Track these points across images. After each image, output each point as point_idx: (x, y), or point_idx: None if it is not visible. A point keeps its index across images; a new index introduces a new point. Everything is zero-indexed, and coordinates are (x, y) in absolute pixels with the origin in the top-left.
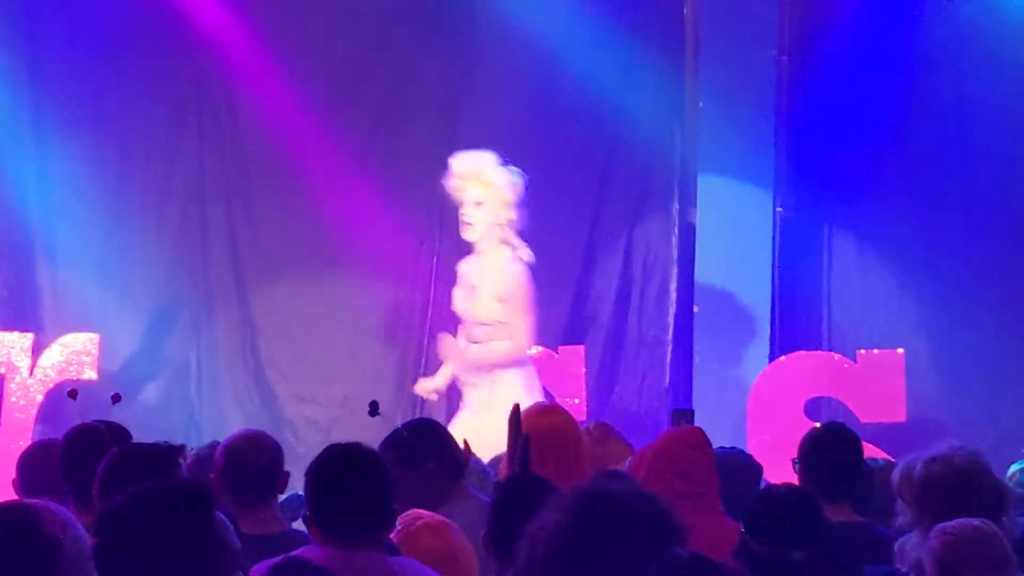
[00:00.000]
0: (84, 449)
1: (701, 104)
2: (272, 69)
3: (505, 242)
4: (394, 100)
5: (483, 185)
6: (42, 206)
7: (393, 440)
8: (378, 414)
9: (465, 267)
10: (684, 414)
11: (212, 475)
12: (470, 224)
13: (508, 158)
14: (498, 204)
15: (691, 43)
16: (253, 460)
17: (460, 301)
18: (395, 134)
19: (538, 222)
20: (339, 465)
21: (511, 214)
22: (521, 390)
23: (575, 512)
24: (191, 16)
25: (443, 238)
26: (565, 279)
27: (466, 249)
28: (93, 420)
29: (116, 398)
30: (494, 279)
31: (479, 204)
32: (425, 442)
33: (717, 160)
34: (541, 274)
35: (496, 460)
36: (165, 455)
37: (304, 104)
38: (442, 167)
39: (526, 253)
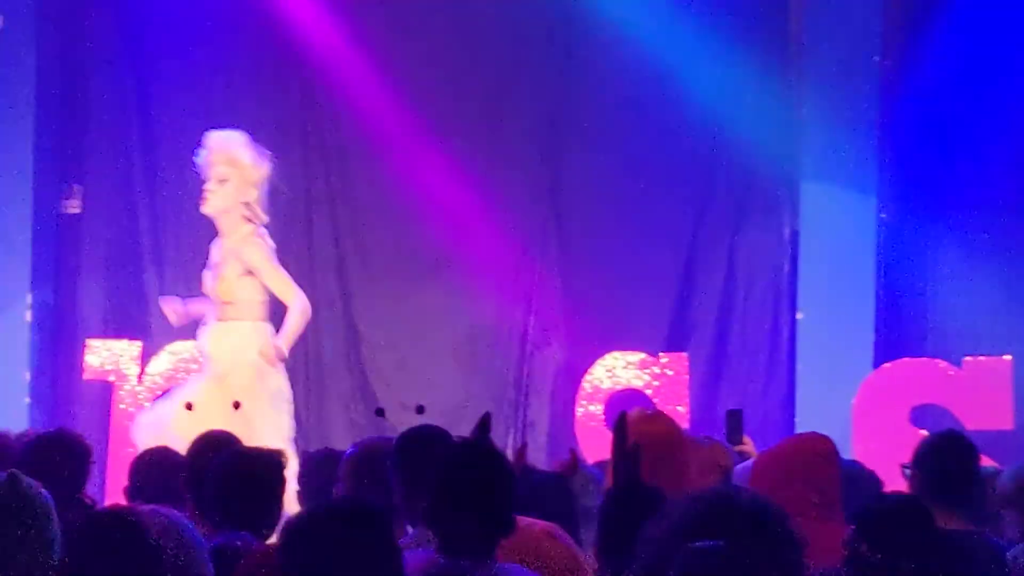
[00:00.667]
0: (207, 456)
1: (804, 111)
2: (376, 80)
3: (248, 220)
4: (497, 110)
5: (229, 163)
6: (149, 215)
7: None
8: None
9: (214, 248)
10: (735, 414)
11: (338, 482)
12: (208, 200)
13: (611, 165)
14: (242, 182)
15: (794, 50)
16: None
17: (208, 281)
18: (498, 143)
19: (640, 229)
20: (470, 468)
21: (255, 194)
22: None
23: (695, 518)
24: (296, 26)
25: (545, 247)
26: (667, 286)
27: (568, 258)
28: (212, 430)
29: (236, 405)
30: (236, 257)
31: (223, 181)
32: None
33: (820, 167)
34: (643, 280)
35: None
36: (275, 462)
37: (407, 114)
38: (546, 177)
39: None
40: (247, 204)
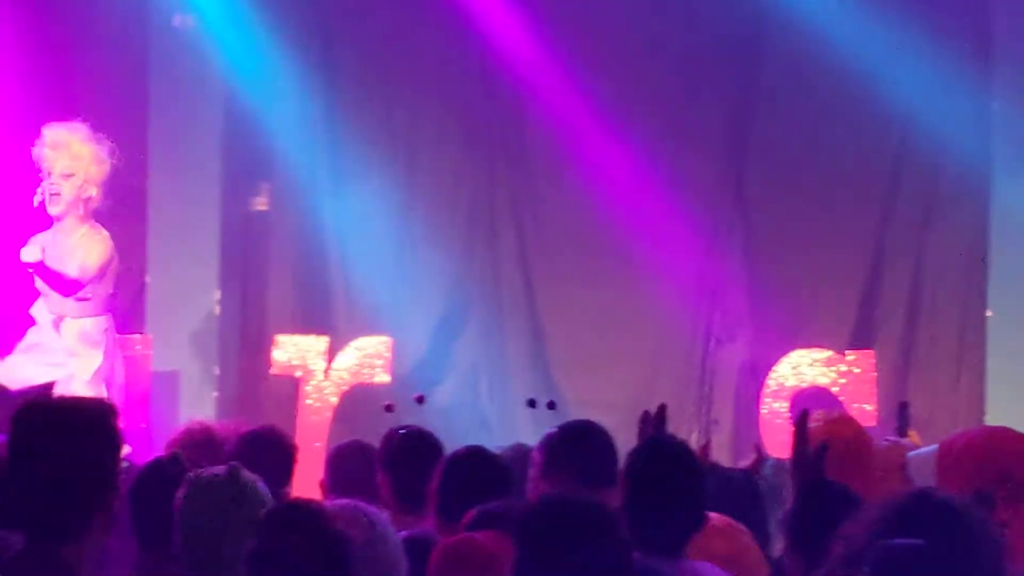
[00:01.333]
0: (409, 453)
1: (995, 105)
2: (560, 77)
3: (86, 218)
4: (683, 106)
5: (72, 157)
6: (336, 211)
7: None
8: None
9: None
10: (903, 406)
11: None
12: (58, 195)
13: (798, 160)
14: (85, 178)
15: (985, 43)
16: None
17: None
18: (683, 139)
19: (827, 224)
20: (662, 464)
21: (96, 190)
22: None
23: (894, 516)
24: (479, 24)
25: (730, 243)
26: (854, 282)
27: (753, 253)
28: (407, 426)
29: (420, 399)
30: (81, 254)
31: (67, 176)
32: (574, 445)
33: (1011, 162)
34: (829, 276)
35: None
36: (503, 465)
37: (591, 111)
38: (731, 173)
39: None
40: (85, 201)
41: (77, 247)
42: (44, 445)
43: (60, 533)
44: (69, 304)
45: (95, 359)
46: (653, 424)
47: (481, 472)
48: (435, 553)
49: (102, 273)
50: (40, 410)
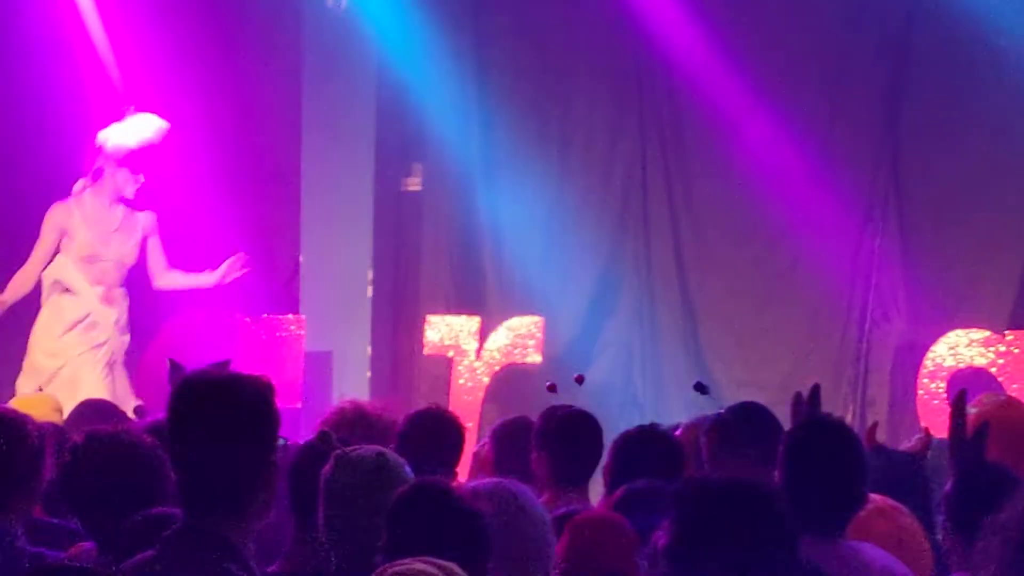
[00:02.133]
0: (568, 433)
1: None
2: (711, 52)
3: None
4: (836, 81)
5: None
6: (487, 194)
7: (714, 423)
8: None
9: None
10: None
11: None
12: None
13: (954, 136)
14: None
15: None
16: None
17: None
18: (837, 116)
19: (984, 202)
20: (823, 443)
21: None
22: None
23: None
24: (635, 7)
25: (886, 221)
26: (1013, 261)
27: (909, 232)
28: (564, 405)
29: (580, 379)
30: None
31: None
32: (745, 427)
33: None
34: (987, 255)
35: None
36: (674, 443)
37: (742, 90)
38: (887, 150)
39: None
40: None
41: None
42: (205, 422)
43: (222, 510)
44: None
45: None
46: (808, 404)
47: (652, 450)
48: (568, 527)
49: None
50: (200, 387)
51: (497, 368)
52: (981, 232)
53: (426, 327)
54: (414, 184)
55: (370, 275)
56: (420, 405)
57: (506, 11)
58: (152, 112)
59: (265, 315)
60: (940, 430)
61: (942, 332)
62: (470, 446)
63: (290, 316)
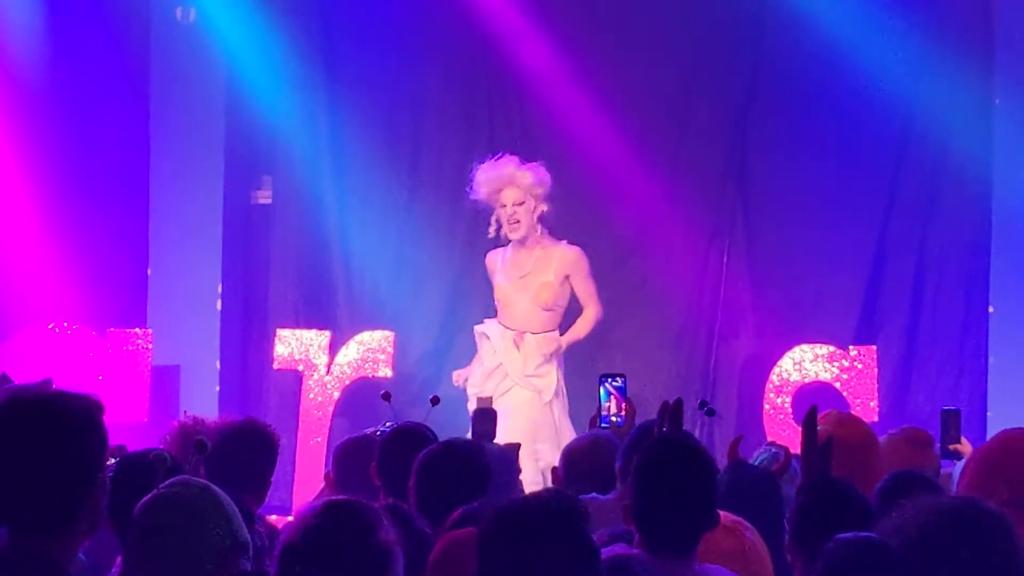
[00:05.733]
0: (404, 448)
1: (998, 99)
2: (561, 70)
3: (543, 235)
4: (685, 98)
5: (519, 188)
6: (338, 207)
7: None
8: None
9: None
10: (951, 414)
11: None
12: (517, 223)
13: (800, 153)
14: (535, 200)
15: (988, 36)
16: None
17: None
18: (687, 131)
19: (829, 219)
20: (667, 460)
21: (544, 206)
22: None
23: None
24: (484, 19)
25: (733, 238)
26: (856, 277)
27: (756, 248)
28: (407, 421)
29: (435, 400)
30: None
31: (519, 204)
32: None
33: (1014, 156)
34: (832, 272)
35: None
36: (476, 452)
37: (591, 105)
38: (734, 166)
39: None
40: (541, 217)
41: (544, 260)
42: (23, 440)
43: (45, 529)
44: (536, 318)
45: (553, 374)
46: (669, 420)
47: (455, 468)
48: (438, 550)
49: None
50: (19, 404)
51: (348, 383)
52: (826, 249)
53: (276, 341)
54: (264, 197)
55: (219, 288)
56: (270, 419)
57: (356, 22)
58: None
59: (111, 329)
60: (786, 445)
61: (788, 347)
62: (319, 460)
63: (137, 330)
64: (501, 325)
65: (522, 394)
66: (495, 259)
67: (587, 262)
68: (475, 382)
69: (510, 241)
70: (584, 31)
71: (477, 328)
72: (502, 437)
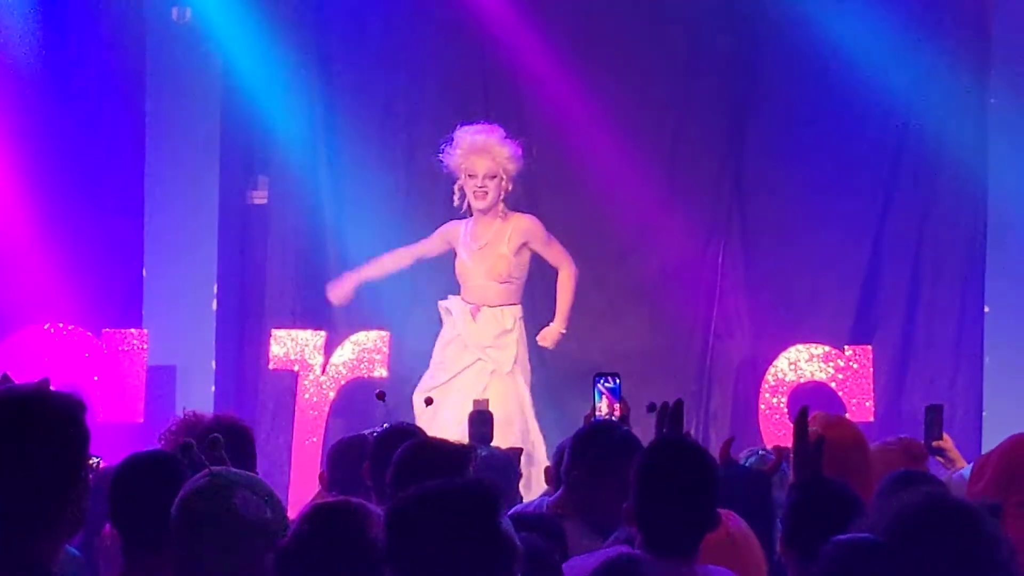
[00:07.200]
0: (395, 449)
1: (994, 100)
2: (557, 69)
3: (505, 210)
4: (681, 100)
5: (494, 159)
6: (334, 207)
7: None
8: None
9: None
10: (934, 410)
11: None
12: (485, 194)
13: (796, 155)
14: (506, 177)
15: (984, 38)
16: None
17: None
18: (682, 133)
19: (826, 220)
20: (668, 461)
21: (511, 184)
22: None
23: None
24: (481, 19)
25: (729, 238)
26: (852, 277)
27: (752, 249)
28: (400, 422)
29: (381, 395)
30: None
31: (491, 176)
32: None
33: (1010, 157)
34: (828, 272)
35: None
36: (459, 453)
37: (588, 104)
38: (730, 167)
39: None
40: (506, 194)
41: (500, 232)
42: (6, 439)
43: (27, 528)
44: (491, 291)
45: (512, 347)
46: (669, 421)
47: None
48: None
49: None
50: (2, 404)
51: (343, 383)
52: (821, 249)
53: (271, 341)
54: (260, 197)
55: (215, 289)
56: (266, 420)
57: (351, 21)
58: None
59: (107, 329)
60: (782, 443)
61: (783, 347)
62: (315, 460)
63: (132, 330)
64: (462, 300)
65: (483, 367)
66: (456, 230)
67: (542, 226)
68: (434, 362)
69: (471, 213)
70: (581, 33)
71: (441, 303)
72: (463, 411)
